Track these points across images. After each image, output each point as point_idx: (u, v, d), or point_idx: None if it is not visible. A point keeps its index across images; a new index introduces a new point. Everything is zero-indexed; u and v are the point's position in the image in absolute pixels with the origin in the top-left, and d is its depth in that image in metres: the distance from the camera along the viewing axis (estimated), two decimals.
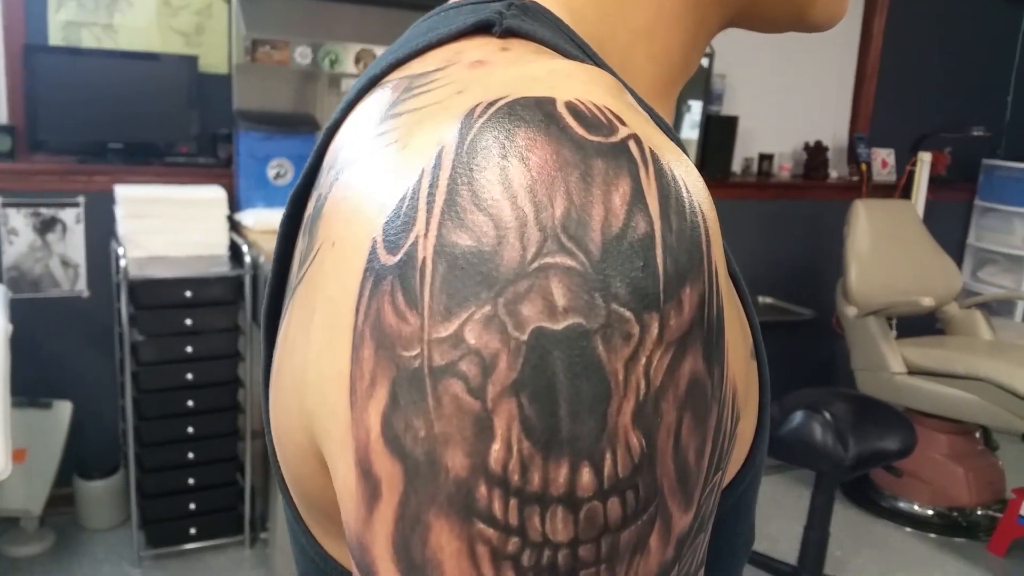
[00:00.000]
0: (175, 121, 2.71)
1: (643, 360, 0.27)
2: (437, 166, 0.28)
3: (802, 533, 2.45)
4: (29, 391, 2.59)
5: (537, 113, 0.28)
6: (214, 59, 2.77)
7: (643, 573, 0.27)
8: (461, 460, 0.26)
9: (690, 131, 3.58)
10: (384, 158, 0.31)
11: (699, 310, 0.28)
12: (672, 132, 0.39)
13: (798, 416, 2.33)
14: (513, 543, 0.26)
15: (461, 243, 0.27)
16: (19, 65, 2.51)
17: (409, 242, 0.28)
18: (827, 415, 2.30)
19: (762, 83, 3.77)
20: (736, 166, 3.78)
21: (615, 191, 0.27)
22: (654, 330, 0.27)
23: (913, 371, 3.15)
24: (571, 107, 0.29)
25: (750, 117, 3.72)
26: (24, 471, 2.45)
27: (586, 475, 0.26)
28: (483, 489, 0.26)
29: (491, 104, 0.29)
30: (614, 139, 0.28)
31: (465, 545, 0.26)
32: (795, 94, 3.88)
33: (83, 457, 2.75)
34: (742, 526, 0.42)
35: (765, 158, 3.81)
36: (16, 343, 2.31)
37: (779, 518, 3.12)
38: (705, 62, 3.52)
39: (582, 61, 0.34)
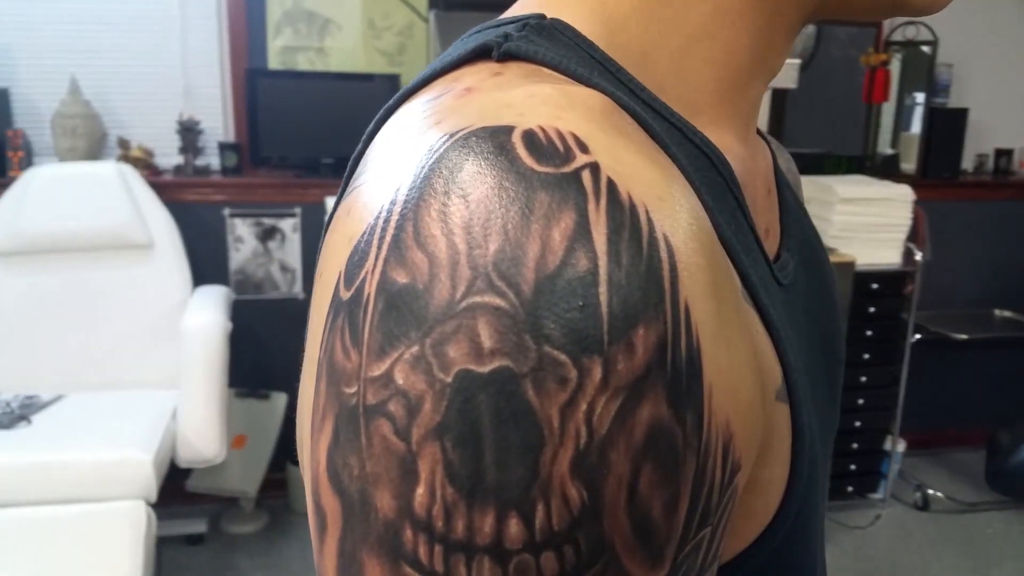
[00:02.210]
0: None
1: (583, 406, 0.25)
2: (394, 201, 0.28)
3: None
4: (250, 383, 2.85)
5: (488, 144, 0.27)
6: (414, 77, 2.91)
7: None
8: (388, 501, 0.26)
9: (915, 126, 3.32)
10: (364, 190, 0.32)
11: (657, 352, 0.26)
12: (702, 151, 0.36)
13: None
14: None
15: (399, 280, 0.27)
16: (243, 88, 2.77)
17: (360, 278, 0.28)
18: None
19: (996, 71, 3.41)
20: (967, 163, 3.44)
21: (555, 226, 0.26)
22: (596, 375, 0.25)
23: None
24: (528, 136, 0.28)
25: (983, 109, 3.38)
26: (244, 456, 2.70)
27: (514, 526, 0.25)
28: (409, 533, 0.25)
29: (451, 136, 0.28)
30: (565, 169, 0.27)
31: None
32: None
33: (295, 445, 2.97)
34: None
35: (1003, 154, 3.44)
36: (239, 339, 2.55)
37: (1014, 559, 2.81)
38: (927, 50, 3.24)
39: (586, 80, 0.33)
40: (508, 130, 0.28)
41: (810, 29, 3.24)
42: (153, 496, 1.95)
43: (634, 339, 0.26)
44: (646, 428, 0.26)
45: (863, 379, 2.89)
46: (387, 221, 0.28)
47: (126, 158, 2.64)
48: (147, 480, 1.93)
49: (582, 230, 0.26)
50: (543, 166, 0.27)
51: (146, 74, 2.72)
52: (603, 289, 0.26)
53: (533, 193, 0.26)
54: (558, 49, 0.35)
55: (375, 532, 0.26)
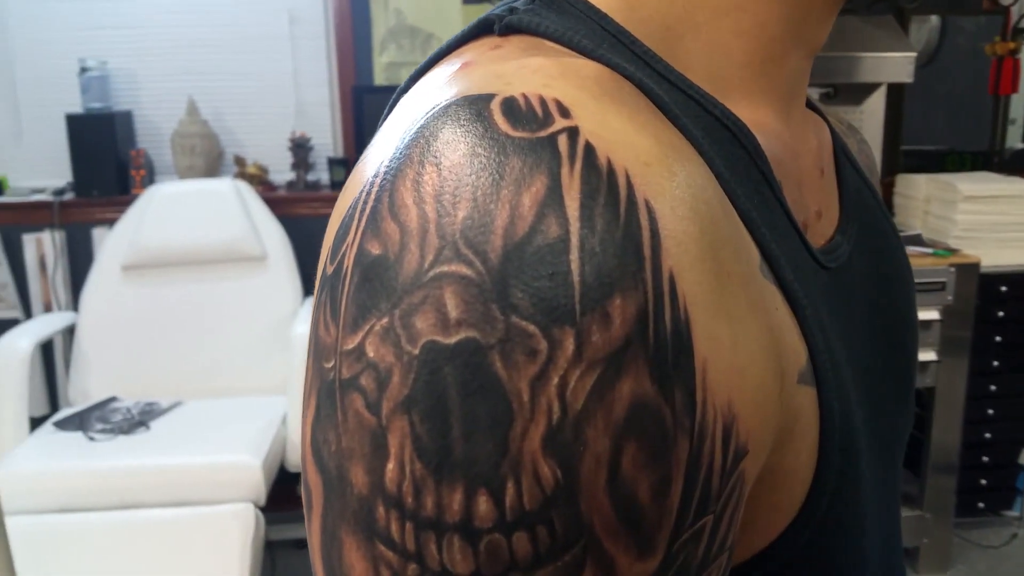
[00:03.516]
0: None
1: (555, 380, 0.24)
2: (376, 174, 0.28)
3: None
4: None
5: (466, 112, 0.27)
6: None
7: None
8: (362, 477, 0.25)
9: None
10: (357, 168, 0.31)
11: (637, 324, 0.25)
12: (722, 123, 0.34)
13: None
14: (412, 569, 0.25)
15: (373, 252, 0.26)
16: (350, 105, 2.85)
17: (342, 252, 0.28)
18: None
19: None
20: None
21: (526, 191, 0.25)
22: (568, 346, 0.24)
23: None
24: (507, 103, 0.27)
25: None
26: None
27: (483, 504, 0.24)
28: (381, 509, 0.25)
29: (434, 107, 0.28)
30: (541, 134, 0.26)
31: (371, 566, 0.25)
32: None
33: None
34: None
35: None
36: None
37: None
38: None
39: (589, 52, 0.32)
40: (489, 98, 0.27)
41: (934, 21, 3.08)
42: (262, 499, 2.02)
43: (609, 309, 0.24)
44: (627, 404, 0.24)
45: (992, 388, 2.71)
46: (368, 194, 0.27)
47: (242, 175, 2.75)
48: (256, 484, 1.99)
49: (554, 195, 0.25)
50: (518, 131, 0.26)
51: (259, 94, 2.83)
52: (574, 256, 0.24)
53: (505, 158, 0.25)
54: (565, 21, 0.34)
55: (351, 508, 0.25)
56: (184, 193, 2.56)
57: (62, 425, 2.16)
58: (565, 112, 0.26)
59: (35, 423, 2.28)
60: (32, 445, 2.09)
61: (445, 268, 0.24)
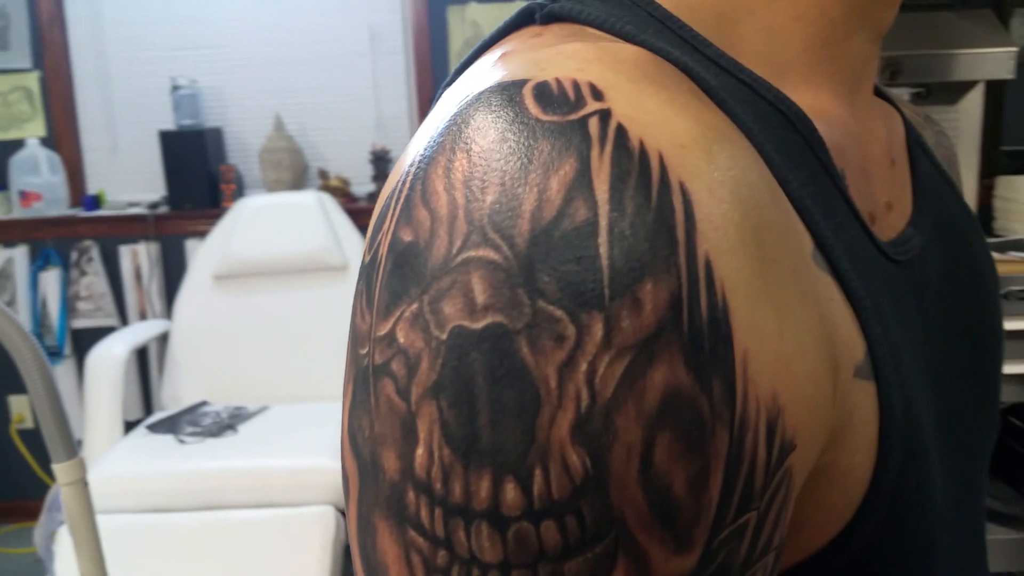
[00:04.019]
0: None
1: (583, 366, 0.23)
2: (412, 163, 0.28)
3: None
4: None
5: (498, 98, 0.27)
6: None
7: None
8: (393, 462, 0.25)
9: None
10: (399, 161, 0.31)
11: (670, 310, 0.24)
12: (776, 108, 0.33)
13: None
14: (442, 556, 0.24)
15: (405, 239, 0.26)
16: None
17: (378, 241, 0.28)
18: None
19: None
20: None
21: (554, 175, 0.24)
22: (596, 332, 0.23)
23: None
24: (539, 87, 0.26)
25: None
26: None
27: (511, 491, 0.23)
28: (411, 495, 0.25)
29: (468, 95, 0.28)
30: (572, 117, 0.25)
31: (402, 551, 0.25)
32: None
33: None
34: None
35: None
36: None
37: None
38: None
39: (632, 37, 0.31)
40: (522, 83, 0.27)
41: None
42: (343, 502, 2.05)
43: (640, 294, 0.23)
44: (660, 393, 0.24)
45: None
46: (403, 183, 0.28)
47: (326, 187, 2.82)
48: (338, 487, 2.03)
49: (583, 178, 0.24)
50: (549, 115, 0.25)
51: (341, 108, 2.90)
52: (603, 240, 0.24)
53: (535, 142, 0.25)
54: (609, 8, 0.33)
55: (384, 494, 0.25)
56: (271, 206, 2.64)
57: (154, 428, 2.25)
58: (598, 95, 0.26)
59: (131, 427, 2.38)
60: (125, 447, 2.18)
61: (473, 253, 0.24)
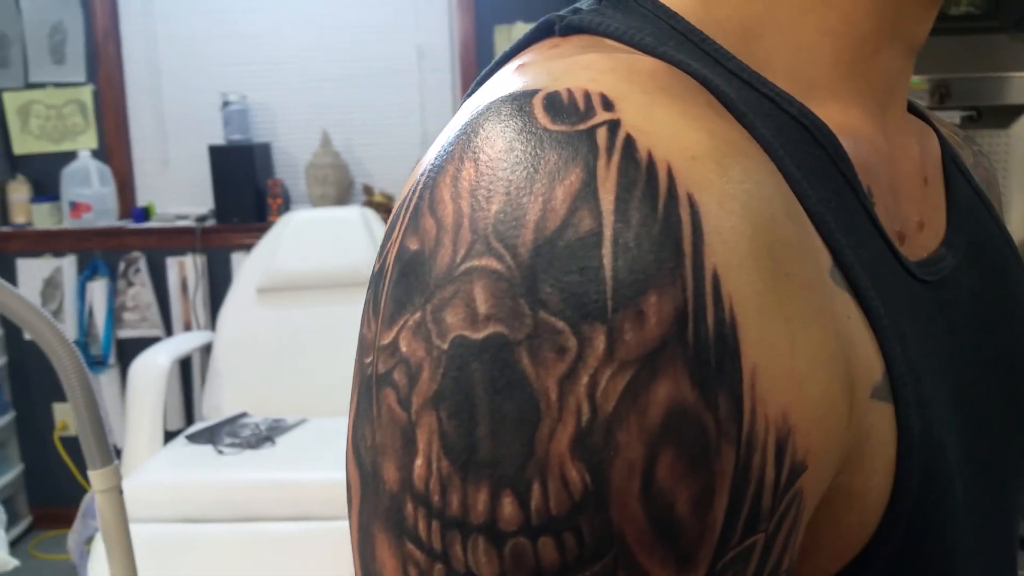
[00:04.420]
0: None
1: (584, 379, 0.23)
2: (422, 173, 0.28)
3: None
4: None
5: (507, 108, 0.27)
6: None
7: None
8: (393, 473, 0.25)
9: None
10: (413, 171, 0.31)
11: (675, 324, 0.23)
12: (799, 123, 0.32)
13: None
14: (439, 570, 0.24)
15: (411, 248, 0.26)
16: None
17: (386, 250, 0.28)
18: None
19: None
20: None
21: (559, 184, 0.24)
22: (599, 345, 0.23)
23: None
24: (550, 97, 0.26)
25: None
26: None
27: (508, 506, 0.23)
28: (410, 506, 0.24)
29: (479, 106, 0.28)
30: (580, 127, 0.25)
31: (400, 564, 0.25)
32: None
33: None
34: None
35: None
36: None
37: None
38: None
39: (650, 49, 0.31)
40: (533, 93, 0.27)
41: None
42: None
43: (644, 307, 0.23)
44: (664, 409, 0.23)
45: None
46: (413, 192, 0.28)
47: (370, 203, 2.85)
48: None
49: (588, 188, 0.24)
50: (557, 125, 0.25)
51: (388, 125, 2.93)
52: (607, 251, 0.23)
53: (542, 152, 0.25)
54: (630, 20, 0.33)
55: (383, 505, 0.25)
56: (316, 220, 2.67)
57: (194, 438, 2.27)
58: (609, 105, 0.26)
59: (172, 437, 2.41)
60: (164, 456, 2.21)
61: (476, 262, 0.24)
